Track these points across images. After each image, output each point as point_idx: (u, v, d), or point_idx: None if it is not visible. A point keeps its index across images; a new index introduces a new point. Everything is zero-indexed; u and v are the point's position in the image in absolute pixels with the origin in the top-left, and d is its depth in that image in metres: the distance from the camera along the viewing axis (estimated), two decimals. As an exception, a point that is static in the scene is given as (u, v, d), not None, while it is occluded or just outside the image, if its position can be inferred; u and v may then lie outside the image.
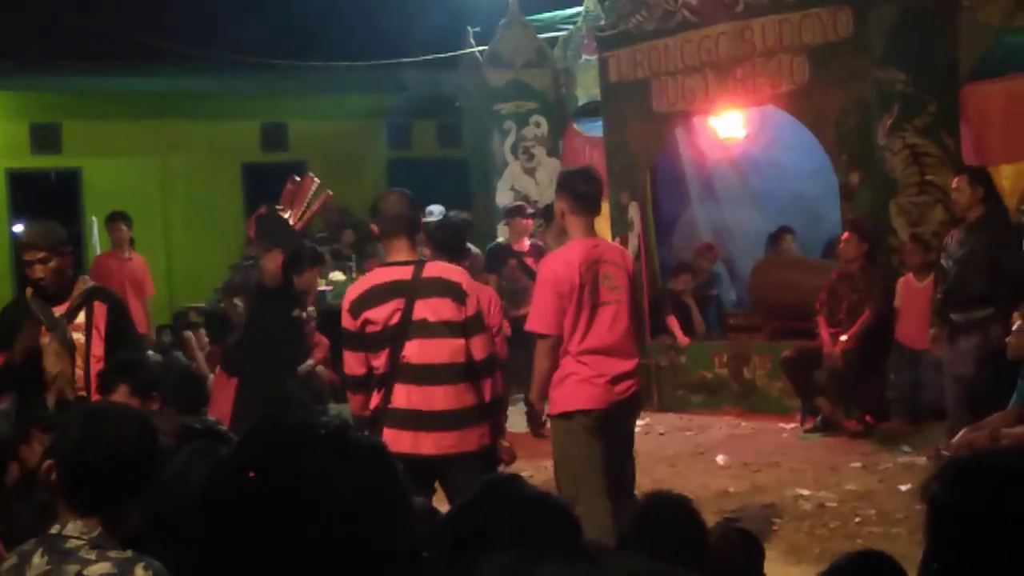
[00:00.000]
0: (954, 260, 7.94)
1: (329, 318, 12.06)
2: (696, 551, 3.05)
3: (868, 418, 9.00)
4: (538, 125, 12.70)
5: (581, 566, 1.17)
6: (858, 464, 8.15)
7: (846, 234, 9.24)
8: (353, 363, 5.12)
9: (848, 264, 9.16)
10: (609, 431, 5.49)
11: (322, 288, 12.80)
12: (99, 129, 14.36)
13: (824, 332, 9.15)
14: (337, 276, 13.03)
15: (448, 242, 6.04)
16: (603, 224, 11.57)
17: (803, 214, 11.49)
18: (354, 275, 13.09)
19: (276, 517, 1.35)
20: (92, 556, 2.55)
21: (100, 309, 5.75)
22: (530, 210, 11.38)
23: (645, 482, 6.24)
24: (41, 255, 5.66)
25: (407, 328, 4.95)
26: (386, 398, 5.00)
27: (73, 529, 2.59)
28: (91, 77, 13.69)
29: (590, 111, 12.18)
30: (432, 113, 15.52)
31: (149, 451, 2.74)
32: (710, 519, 5.73)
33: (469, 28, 13.06)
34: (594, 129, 11.98)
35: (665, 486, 5.45)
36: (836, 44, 9.37)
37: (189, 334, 11.74)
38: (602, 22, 11.65)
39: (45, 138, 14.23)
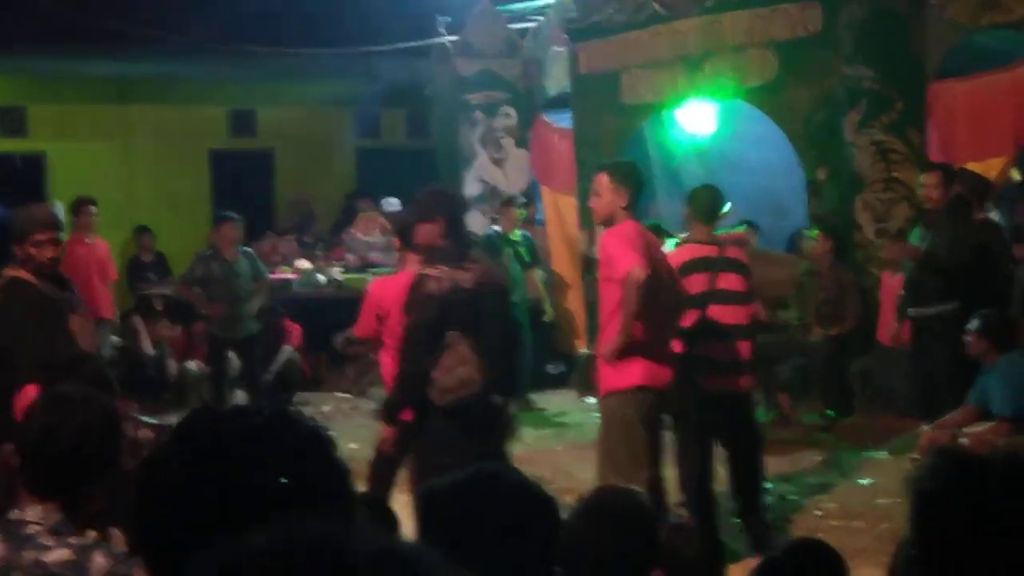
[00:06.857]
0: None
1: (298, 306, 12.03)
2: (648, 545, 3.01)
3: (831, 413, 9.06)
4: (507, 116, 12.67)
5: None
6: (819, 458, 8.20)
7: (815, 232, 9.29)
8: None
9: (815, 261, 9.23)
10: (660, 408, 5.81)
11: (288, 276, 12.74)
12: (65, 113, 14.22)
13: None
14: (304, 265, 12.96)
15: (405, 235, 6.22)
16: (572, 216, 11.63)
17: (770, 209, 11.53)
18: (321, 263, 13.04)
19: (211, 500, 1.36)
20: (50, 543, 2.53)
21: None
22: (523, 199, 11.47)
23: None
24: (55, 235, 5.61)
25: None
26: None
27: (33, 515, 2.57)
28: (57, 61, 13.54)
29: (559, 102, 12.18)
30: (402, 102, 15.43)
31: (112, 437, 2.73)
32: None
33: (440, 17, 13.01)
34: (563, 120, 11.98)
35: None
36: (805, 40, 9.40)
37: (138, 319, 11.73)
38: (573, 14, 11.66)
39: (10, 121, 14.08)
